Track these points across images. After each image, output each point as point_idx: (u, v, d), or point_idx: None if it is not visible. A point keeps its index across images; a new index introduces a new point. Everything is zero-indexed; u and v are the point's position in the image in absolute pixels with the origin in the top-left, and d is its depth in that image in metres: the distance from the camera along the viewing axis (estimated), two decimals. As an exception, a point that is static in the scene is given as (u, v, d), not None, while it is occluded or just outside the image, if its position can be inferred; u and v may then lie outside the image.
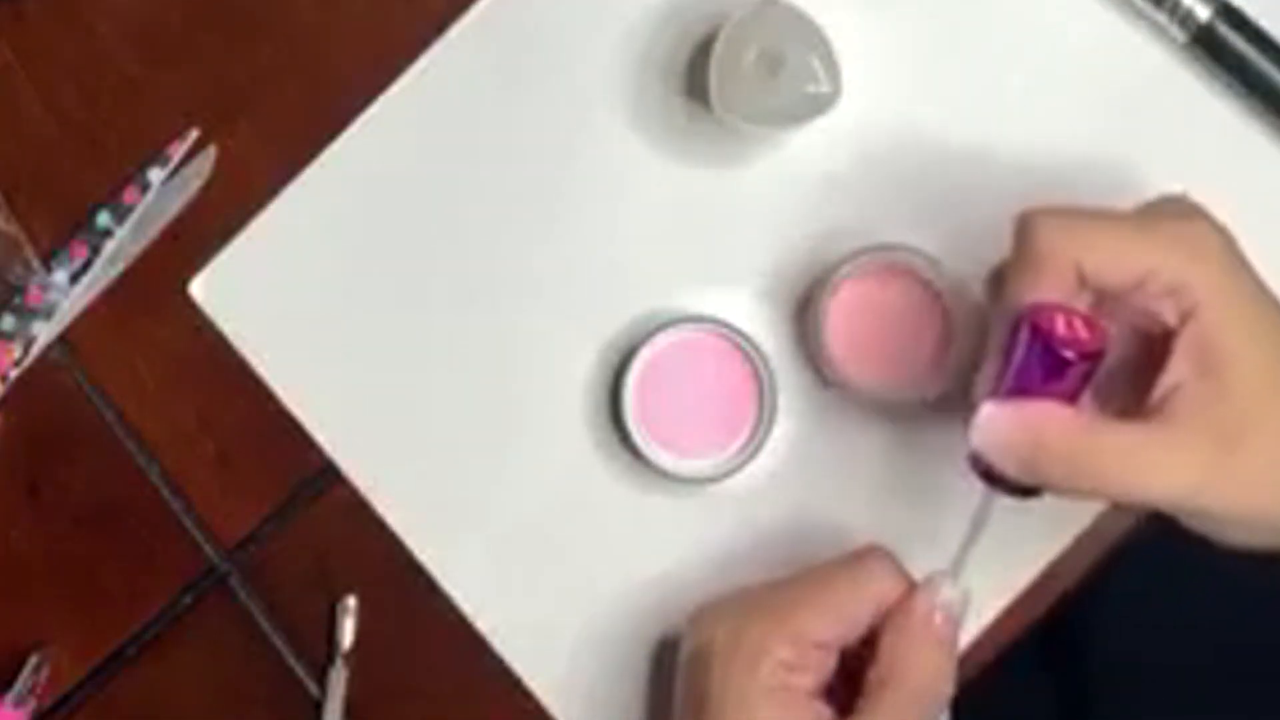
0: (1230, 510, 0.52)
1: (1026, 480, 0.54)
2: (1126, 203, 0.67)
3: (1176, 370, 0.53)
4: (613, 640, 0.69)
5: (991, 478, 0.55)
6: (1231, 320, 0.53)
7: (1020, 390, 0.54)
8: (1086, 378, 0.54)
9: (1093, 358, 0.53)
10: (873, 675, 0.57)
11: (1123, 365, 0.57)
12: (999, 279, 0.57)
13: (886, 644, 0.57)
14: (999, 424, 0.54)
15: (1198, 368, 0.52)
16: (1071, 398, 0.54)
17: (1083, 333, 0.53)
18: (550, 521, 0.69)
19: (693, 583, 0.68)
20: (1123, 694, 0.69)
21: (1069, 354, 0.53)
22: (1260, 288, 0.54)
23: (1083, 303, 0.54)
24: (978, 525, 0.57)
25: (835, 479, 0.68)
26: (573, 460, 0.69)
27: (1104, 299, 0.54)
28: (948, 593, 0.57)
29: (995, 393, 0.55)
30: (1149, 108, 0.68)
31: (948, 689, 0.57)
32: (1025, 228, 0.54)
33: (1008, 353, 0.54)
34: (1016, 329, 0.54)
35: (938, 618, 0.57)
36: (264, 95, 0.70)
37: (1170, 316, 0.53)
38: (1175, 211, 0.55)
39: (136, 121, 0.71)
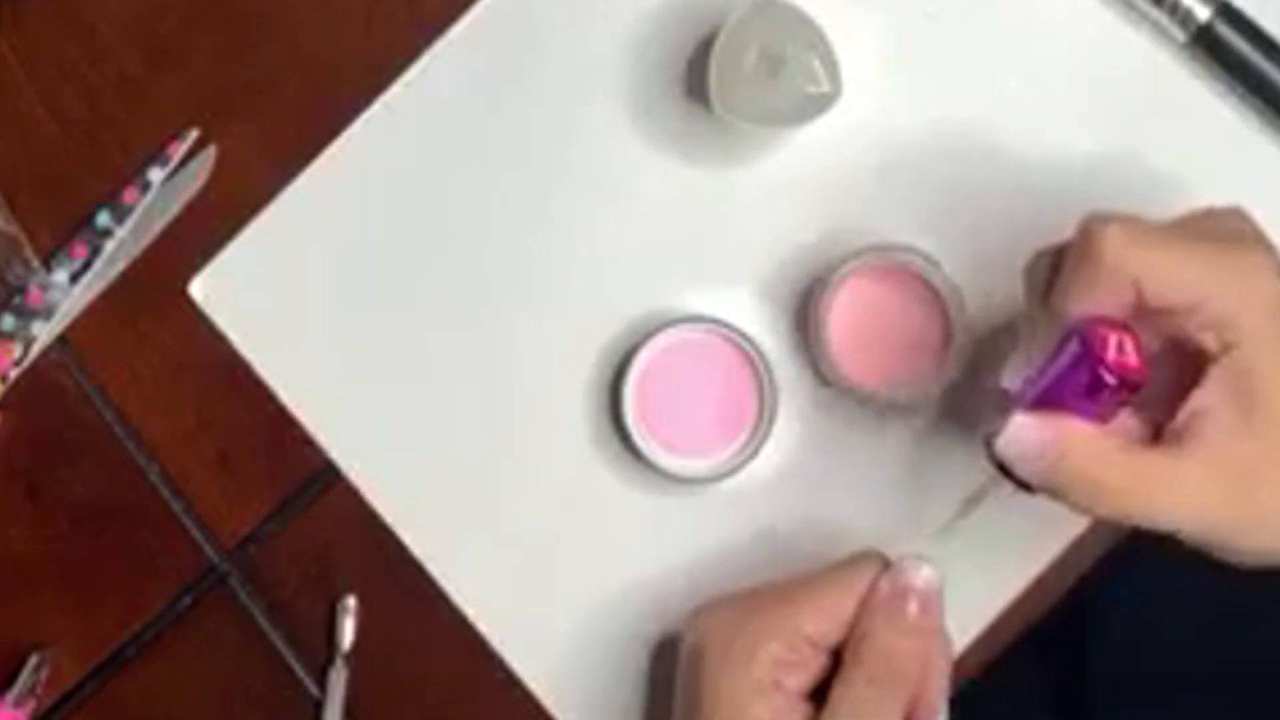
0: (1246, 544, 0.53)
1: (1044, 492, 0.54)
2: (1126, 202, 0.67)
3: (1207, 396, 0.53)
4: (612, 640, 0.69)
5: (1004, 465, 0.55)
6: (1271, 362, 0.52)
7: (1054, 399, 0.53)
8: (1123, 403, 0.53)
9: (1137, 387, 0.53)
10: (845, 656, 0.58)
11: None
12: (1042, 271, 0.56)
13: (857, 625, 0.58)
14: (1028, 434, 0.53)
15: (1231, 400, 0.52)
16: (1103, 418, 0.53)
17: (1132, 359, 0.53)
18: (550, 521, 0.69)
19: (692, 583, 0.68)
20: (1123, 694, 0.69)
21: (1115, 380, 0.52)
22: None
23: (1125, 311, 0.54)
24: (971, 503, 0.57)
25: (835, 478, 0.68)
26: (573, 460, 0.69)
27: (1145, 311, 0.54)
28: (912, 574, 0.57)
29: (1026, 393, 0.54)
30: (1149, 108, 0.68)
31: (911, 669, 0.57)
32: (1093, 237, 0.53)
33: (1050, 357, 0.54)
34: (1066, 337, 0.53)
35: (908, 599, 0.57)
36: (264, 95, 0.70)
37: (1211, 343, 0.53)
38: (1235, 236, 0.55)
39: (136, 121, 0.71)
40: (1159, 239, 0.54)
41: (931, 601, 0.57)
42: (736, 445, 0.68)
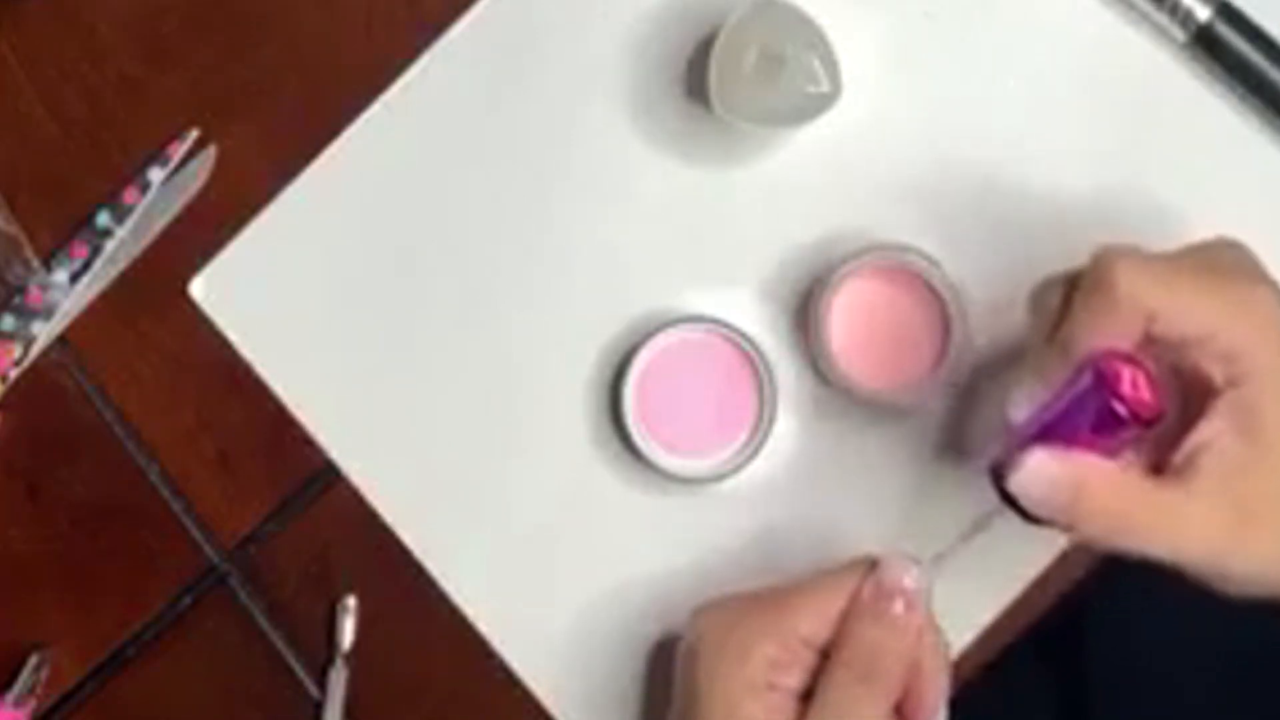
0: (1250, 576, 0.53)
1: (1055, 526, 0.54)
2: (1126, 202, 0.67)
3: (1212, 428, 0.53)
4: (612, 640, 0.69)
5: (1007, 495, 0.55)
6: (1278, 397, 0.53)
7: (1064, 432, 0.54)
8: (1137, 439, 0.54)
9: (1151, 423, 0.53)
10: (830, 653, 0.58)
11: None
12: (1051, 301, 0.56)
13: (844, 623, 0.58)
14: (1045, 471, 0.54)
15: (1236, 433, 0.53)
16: (1113, 453, 0.54)
17: (1146, 394, 0.53)
18: (550, 521, 0.69)
19: (692, 583, 0.68)
20: (1122, 696, 0.69)
21: (1130, 415, 0.52)
22: None
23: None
24: (974, 530, 0.57)
25: (835, 479, 0.68)
26: (573, 460, 0.69)
27: (1150, 343, 0.54)
28: (899, 572, 0.58)
29: (1034, 426, 0.54)
30: (1149, 108, 0.68)
31: (895, 667, 0.57)
32: (1106, 269, 0.53)
33: (1060, 389, 0.54)
34: (1078, 370, 0.53)
35: (893, 597, 0.57)
36: (264, 95, 0.70)
37: (1218, 376, 0.53)
38: (1240, 270, 0.55)
39: (136, 121, 0.71)
40: (1172, 272, 0.54)
41: (916, 600, 0.57)
42: (736, 445, 0.68)
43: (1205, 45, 0.66)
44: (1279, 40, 0.67)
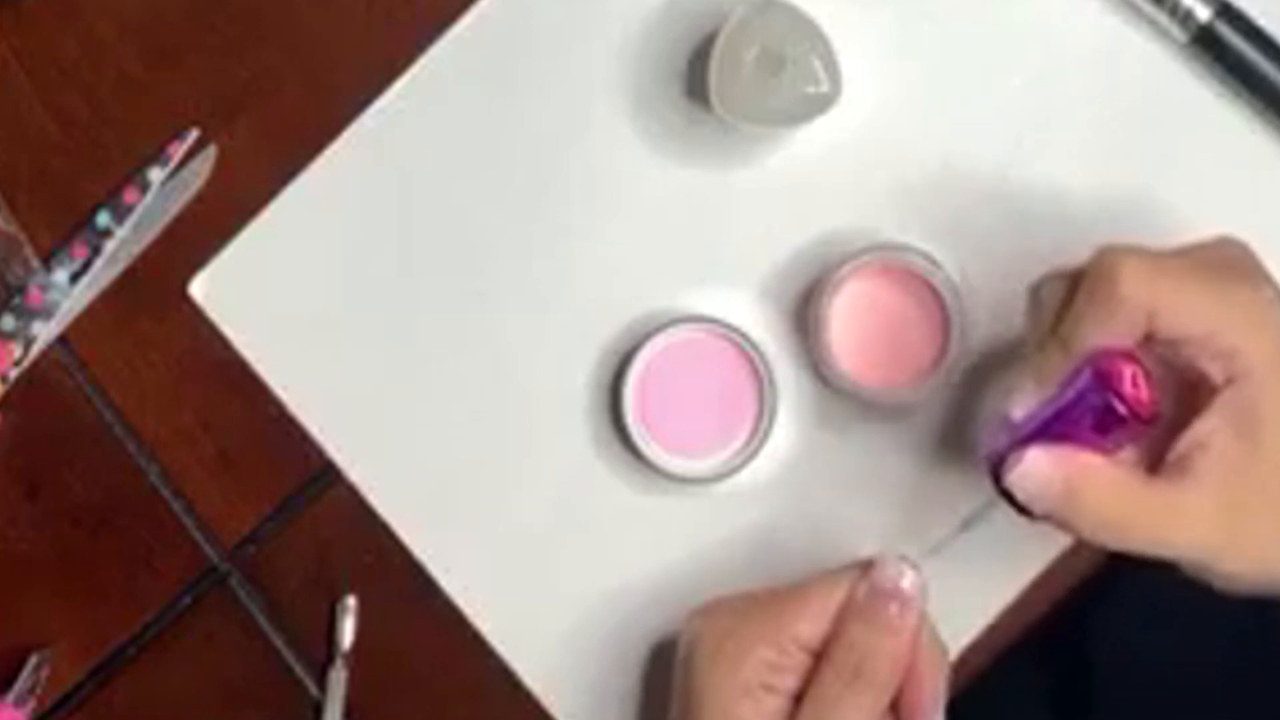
0: (1245, 572, 0.54)
1: (1049, 522, 0.54)
2: (1126, 202, 0.67)
3: (1208, 426, 0.53)
4: (612, 640, 0.69)
5: (1005, 490, 0.55)
6: (1277, 395, 0.53)
7: (1063, 430, 0.54)
8: (1135, 438, 0.54)
9: (1150, 421, 0.53)
10: (821, 654, 0.58)
11: None
12: (1052, 299, 0.56)
13: (837, 625, 0.58)
14: (1042, 469, 0.54)
15: (1234, 430, 0.53)
16: (1111, 450, 0.54)
17: (1145, 393, 0.53)
18: (550, 521, 0.69)
19: (692, 583, 0.68)
20: (1122, 696, 0.69)
21: (1129, 414, 0.52)
22: None
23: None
24: (968, 523, 0.57)
25: (834, 479, 0.68)
26: (573, 460, 0.69)
27: (1149, 340, 0.54)
28: (893, 573, 0.58)
29: (1033, 422, 0.54)
30: (1149, 108, 0.68)
31: (885, 669, 0.57)
32: (1109, 267, 0.53)
33: (1060, 387, 0.54)
34: (1079, 368, 0.54)
35: (887, 599, 0.57)
36: (264, 95, 0.70)
37: (1217, 374, 0.53)
38: (1241, 268, 0.55)
39: (136, 121, 0.71)
40: (1174, 271, 0.54)
41: (911, 602, 0.58)
42: (736, 445, 0.68)
43: (1205, 45, 0.66)
44: (1279, 40, 0.66)
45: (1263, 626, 0.67)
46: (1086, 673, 0.70)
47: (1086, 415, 0.53)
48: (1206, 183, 0.68)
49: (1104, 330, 0.54)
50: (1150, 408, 0.53)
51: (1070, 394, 0.54)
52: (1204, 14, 0.66)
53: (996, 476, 0.55)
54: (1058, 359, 0.55)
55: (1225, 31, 0.66)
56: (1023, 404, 0.56)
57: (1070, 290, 0.55)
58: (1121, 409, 0.52)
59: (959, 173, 0.68)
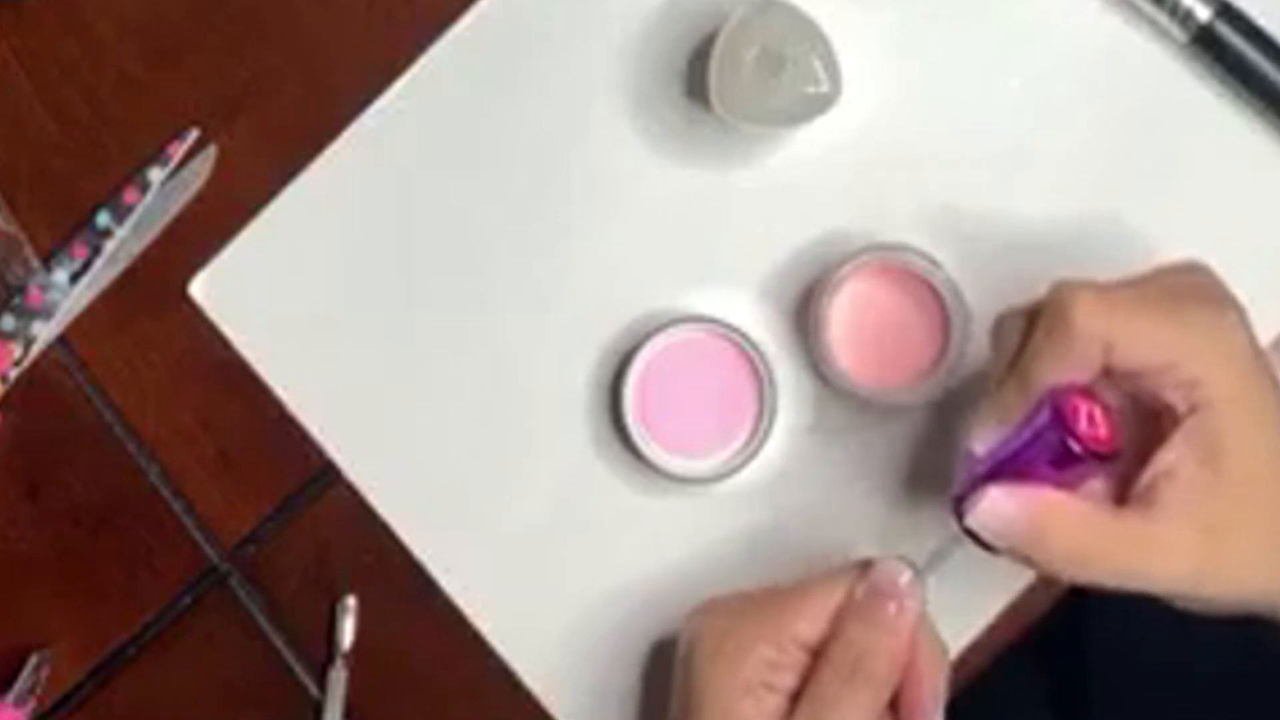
0: (1223, 596, 0.54)
1: (1015, 557, 0.54)
2: (1126, 202, 0.67)
3: (1173, 455, 0.53)
4: (612, 640, 0.69)
5: (967, 527, 0.55)
6: (1241, 422, 0.53)
7: (1022, 466, 0.54)
8: (1092, 475, 0.54)
9: (1106, 459, 0.53)
10: (819, 653, 0.58)
11: None
12: (1011, 336, 0.56)
13: (835, 625, 0.58)
14: (1002, 509, 0.53)
15: (1199, 459, 0.53)
16: (1072, 486, 0.53)
17: (1103, 430, 0.53)
18: (550, 521, 0.69)
19: (692, 582, 0.68)
20: (1123, 694, 0.69)
21: (1084, 453, 0.52)
22: (1271, 385, 0.54)
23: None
24: (935, 560, 0.57)
25: (834, 479, 0.68)
26: (573, 460, 0.69)
27: (1110, 372, 0.54)
28: (891, 574, 0.58)
29: (993, 458, 0.54)
30: (1149, 108, 0.68)
31: (882, 668, 0.57)
32: (1062, 303, 0.53)
33: (1020, 424, 0.54)
34: (1039, 404, 0.53)
35: (884, 598, 0.57)
36: (264, 95, 0.70)
37: (1179, 403, 0.53)
38: (1203, 295, 0.55)
39: (136, 121, 0.71)
40: (1129, 303, 0.54)
41: (909, 602, 0.58)
42: (736, 445, 0.68)
43: (1205, 45, 0.66)
44: (1279, 40, 0.66)
45: (1261, 627, 0.67)
46: (1086, 673, 0.70)
47: (1045, 452, 0.53)
48: (1206, 183, 0.68)
49: (1060, 365, 0.53)
50: (1108, 445, 0.53)
51: (1028, 432, 0.54)
52: (1204, 14, 0.66)
53: (960, 515, 0.55)
54: (1016, 396, 0.55)
55: (1225, 31, 0.66)
56: (984, 440, 0.56)
57: (1029, 326, 0.55)
58: (1077, 448, 0.52)
59: (959, 173, 0.68)
